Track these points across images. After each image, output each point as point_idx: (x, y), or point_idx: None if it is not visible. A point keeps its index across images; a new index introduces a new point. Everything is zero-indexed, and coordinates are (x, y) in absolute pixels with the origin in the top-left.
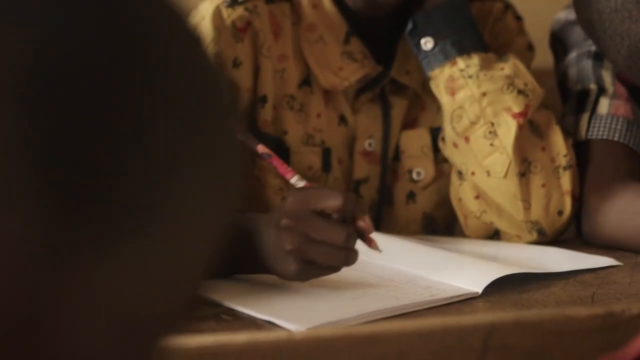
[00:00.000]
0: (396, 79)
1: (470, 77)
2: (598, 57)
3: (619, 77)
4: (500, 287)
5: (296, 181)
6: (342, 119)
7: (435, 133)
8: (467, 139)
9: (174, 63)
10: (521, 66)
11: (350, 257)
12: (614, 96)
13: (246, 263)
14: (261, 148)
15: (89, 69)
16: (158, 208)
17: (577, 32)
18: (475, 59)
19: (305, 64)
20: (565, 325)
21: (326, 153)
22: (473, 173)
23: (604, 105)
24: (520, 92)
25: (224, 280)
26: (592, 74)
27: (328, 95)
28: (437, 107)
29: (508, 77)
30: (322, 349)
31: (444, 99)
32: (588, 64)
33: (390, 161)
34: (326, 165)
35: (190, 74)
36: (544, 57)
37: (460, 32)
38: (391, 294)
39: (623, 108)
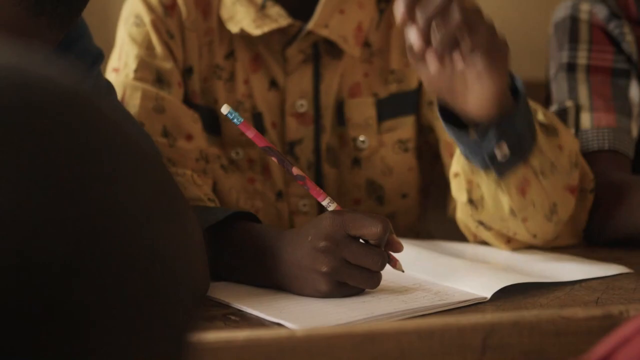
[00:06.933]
0: (315, 31)
1: (542, 173)
2: (571, 68)
3: (596, 88)
4: (507, 292)
5: (327, 204)
6: (273, 83)
7: (381, 105)
8: (524, 220)
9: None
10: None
11: (378, 280)
12: (593, 109)
13: (246, 275)
14: (296, 170)
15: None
16: None
17: (553, 42)
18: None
19: (230, 37)
20: (562, 326)
21: (258, 118)
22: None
23: (586, 119)
24: (575, 164)
25: (234, 283)
26: (567, 89)
27: (258, 61)
28: (381, 76)
29: (569, 156)
30: (323, 347)
31: (514, 197)
32: (562, 78)
33: (329, 123)
34: (259, 130)
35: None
36: (536, 67)
37: (523, 132)
38: (401, 298)
39: (605, 119)
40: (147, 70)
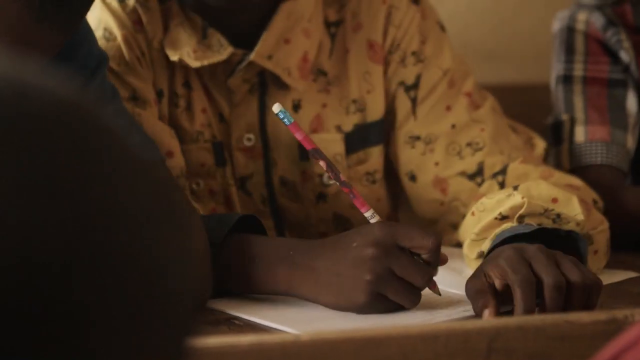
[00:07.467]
0: (258, 63)
1: None
2: (568, 80)
3: (591, 100)
4: None
5: (371, 215)
6: (222, 117)
7: (350, 139)
8: None
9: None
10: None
11: (418, 300)
12: (588, 122)
13: (261, 286)
14: (343, 177)
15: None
16: None
17: (554, 52)
18: None
19: (185, 64)
20: (567, 330)
21: (218, 147)
22: None
23: (580, 133)
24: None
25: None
26: (563, 102)
27: (208, 92)
28: (341, 106)
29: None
30: (327, 351)
31: None
32: (559, 90)
33: (282, 156)
34: (220, 160)
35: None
36: (541, 70)
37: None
38: (424, 309)
39: (599, 132)
40: (122, 87)
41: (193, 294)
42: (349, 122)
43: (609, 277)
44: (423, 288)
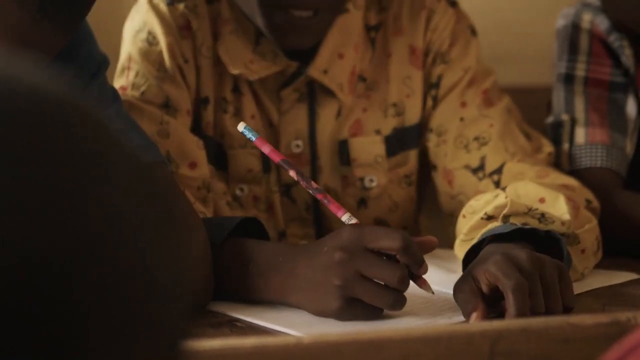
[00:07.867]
0: (313, 77)
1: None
2: (569, 79)
3: (592, 102)
4: None
5: (347, 219)
6: (270, 123)
7: (390, 141)
8: None
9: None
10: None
11: (399, 300)
12: (588, 124)
13: (255, 292)
14: (314, 184)
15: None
16: None
17: (555, 49)
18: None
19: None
20: (570, 333)
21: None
22: None
23: (580, 134)
24: (598, 246)
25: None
26: (563, 102)
27: (257, 98)
28: (380, 109)
29: (591, 246)
30: (329, 354)
31: None
32: (560, 89)
33: (327, 163)
34: (267, 166)
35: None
36: (541, 72)
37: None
38: (425, 312)
39: (599, 134)
40: (156, 93)
41: (190, 294)
42: (388, 126)
43: (611, 279)
44: (399, 287)
